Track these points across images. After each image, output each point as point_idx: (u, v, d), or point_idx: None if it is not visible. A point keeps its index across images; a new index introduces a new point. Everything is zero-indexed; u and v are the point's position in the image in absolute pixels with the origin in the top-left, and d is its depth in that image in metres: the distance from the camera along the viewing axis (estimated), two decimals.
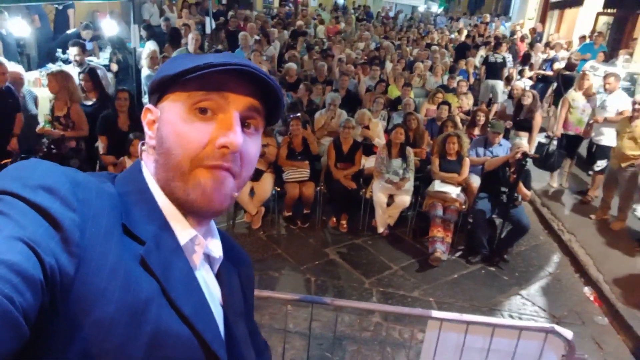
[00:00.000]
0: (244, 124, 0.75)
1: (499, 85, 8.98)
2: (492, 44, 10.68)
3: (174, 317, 0.67)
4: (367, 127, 5.79)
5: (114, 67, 6.78)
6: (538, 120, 6.24)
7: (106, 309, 0.59)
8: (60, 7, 8.24)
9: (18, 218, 0.54)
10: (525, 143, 4.81)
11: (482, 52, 11.01)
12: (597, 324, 4.02)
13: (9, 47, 6.71)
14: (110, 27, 6.54)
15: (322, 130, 5.84)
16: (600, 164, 5.90)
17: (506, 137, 6.10)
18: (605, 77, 5.96)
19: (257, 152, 0.79)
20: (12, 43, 6.84)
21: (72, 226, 0.57)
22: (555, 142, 6.00)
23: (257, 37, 8.80)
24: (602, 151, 5.92)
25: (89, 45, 7.40)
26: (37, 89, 5.68)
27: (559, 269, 4.85)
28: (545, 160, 6.01)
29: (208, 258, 0.82)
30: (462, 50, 10.97)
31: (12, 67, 5.29)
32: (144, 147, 0.79)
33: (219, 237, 0.84)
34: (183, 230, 0.74)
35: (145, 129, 0.78)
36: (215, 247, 0.81)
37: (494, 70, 8.98)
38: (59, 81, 4.69)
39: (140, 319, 0.63)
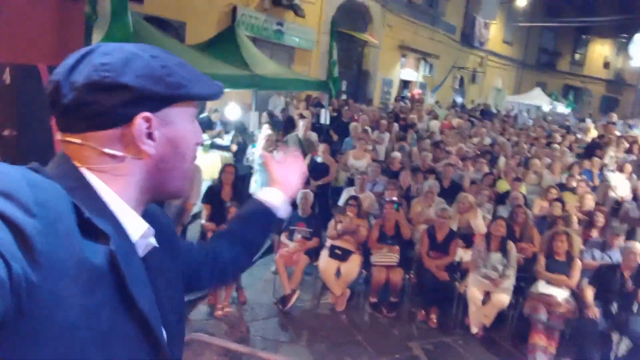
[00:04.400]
0: None
1: None
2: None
3: (125, 315, 0.67)
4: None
5: (234, 147, 7.53)
6: None
7: (68, 316, 0.59)
8: None
9: None
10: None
11: (611, 152, 10.18)
12: None
13: None
14: (233, 112, 7.32)
15: (417, 217, 5.69)
16: None
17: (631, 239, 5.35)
18: None
19: None
20: None
21: (34, 234, 0.56)
22: None
23: (366, 128, 9.18)
24: None
25: (218, 126, 8.37)
26: None
27: None
28: None
29: None
30: (592, 149, 10.26)
31: None
32: (107, 150, 0.73)
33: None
34: (132, 223, 0.75)
35: (142, 138, 0.74)
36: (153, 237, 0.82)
37: None
38: None
39: (97, 320, 0.63)
